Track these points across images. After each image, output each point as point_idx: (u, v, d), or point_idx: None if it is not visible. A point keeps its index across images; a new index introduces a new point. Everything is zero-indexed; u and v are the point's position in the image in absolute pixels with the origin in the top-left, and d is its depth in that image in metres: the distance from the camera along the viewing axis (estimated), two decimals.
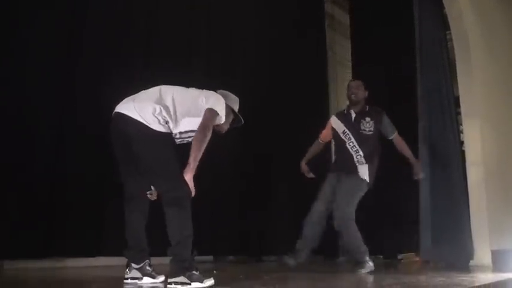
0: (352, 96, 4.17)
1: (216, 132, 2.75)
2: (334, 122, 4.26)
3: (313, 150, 4.43)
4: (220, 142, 4.71)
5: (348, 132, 4.11)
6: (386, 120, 4.15)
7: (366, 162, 3.99)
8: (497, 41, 5.78)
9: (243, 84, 4.97)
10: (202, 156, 2.52)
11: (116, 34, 4.27)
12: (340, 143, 4.14)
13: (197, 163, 2.49)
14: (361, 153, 3.99)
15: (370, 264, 3.77)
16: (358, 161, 4.00)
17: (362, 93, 4.18)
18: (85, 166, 3.82)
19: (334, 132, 4.23)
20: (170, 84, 2.74)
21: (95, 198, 3.84)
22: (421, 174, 4.18)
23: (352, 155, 4.02)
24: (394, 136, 4.15)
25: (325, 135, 4.37)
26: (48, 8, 3.78)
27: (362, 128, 4.07)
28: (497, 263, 4.47)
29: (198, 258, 4.27)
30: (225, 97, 2.74)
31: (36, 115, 3.62)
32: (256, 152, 5.39)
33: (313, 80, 6.42)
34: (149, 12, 4.68)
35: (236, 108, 2.84)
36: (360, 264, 3.76)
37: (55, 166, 3.70)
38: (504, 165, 5.30)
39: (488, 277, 3.55)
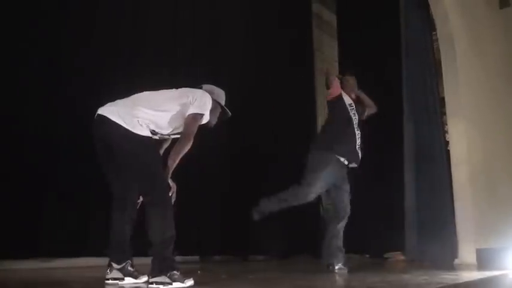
0: (352, 94, 3.94)
1: (205, 126, 2.75)
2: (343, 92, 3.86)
3: None
4: (207, 142, 4.75)
5: (354, 107, 3.82)
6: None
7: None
8: (482, 42, 5.84)
9: (230, 84, 4.91)
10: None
11: (103, 35, 4.26)
12: (345, 118, 3.73)
13: (175, 165, 2.51)
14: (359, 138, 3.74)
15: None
16: (359, 147, 3.73)
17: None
18: (71, 167, 3.80)
19: (341, 101, 3.78)
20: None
21: (81, 198, 3.82)
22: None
23: (355, 139, 3.69)
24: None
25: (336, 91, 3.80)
26: (35, 8, 3.77)
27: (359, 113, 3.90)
28: (482, 262, 4.51)
29: (184, 258, 4.30)
30: (210, 92, 2.75)
31: (22, 117, 3.59)
32: (243, 150, 5.38)
33: (300, 79, 6.44)
34: (136, 12, 4.67)
35: (223, 101, 2.85)
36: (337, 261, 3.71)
37: (42, 167, 3.68)
38: (489, 165, 5.35)
39: (471, 275, 3.58)
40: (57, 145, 3.78)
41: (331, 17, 7.28)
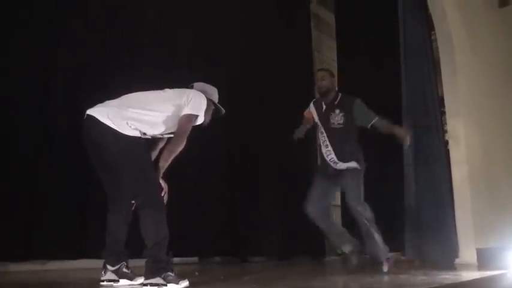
0: (318, 87, 3.91)
1: (198, 126, 2.73)
2: (312, 108, 3.97)
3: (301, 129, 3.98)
4: (206, 142, 4.74)
5: (319, 123, 3.87)
6: (359, 109, 3.78)
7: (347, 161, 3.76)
8: (481, 41, 5.82)
9: (228, 87, 4.94)
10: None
11: (99, 31, 4.24)
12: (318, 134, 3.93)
13: (167, 165, 2.50)
14: (332, 154, 3.74)
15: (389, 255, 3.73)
16: (332, 161, 3.75)
17: (327, 83, 3.85)
18: (66, 167, 3.79)
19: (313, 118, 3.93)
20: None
21: (76, 200, 3.81)
22: (407, 140, 3.79)
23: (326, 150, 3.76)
24: (373, 123, 3.76)
25: (308, 118, 3.98)
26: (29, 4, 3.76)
27: (332, 121, 3.77)
28: (482, 261, 4.49)
29: (183, 259, 4.29)
30: (203, 91, 2.73)
31: (14, 116, 3.57)
32: (243, 151, 5.38)
33: (298, 79, 6.43)
34: (132, 9, 4.65)
35: (216, 99, 2.82)
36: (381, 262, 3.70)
37: (36, 167, 3.67)
38: (488, 164, 5.32)
39: (471, 275, 3.55)
40: (52, 145, 3.75)
41: (329, 18, 7.26)
